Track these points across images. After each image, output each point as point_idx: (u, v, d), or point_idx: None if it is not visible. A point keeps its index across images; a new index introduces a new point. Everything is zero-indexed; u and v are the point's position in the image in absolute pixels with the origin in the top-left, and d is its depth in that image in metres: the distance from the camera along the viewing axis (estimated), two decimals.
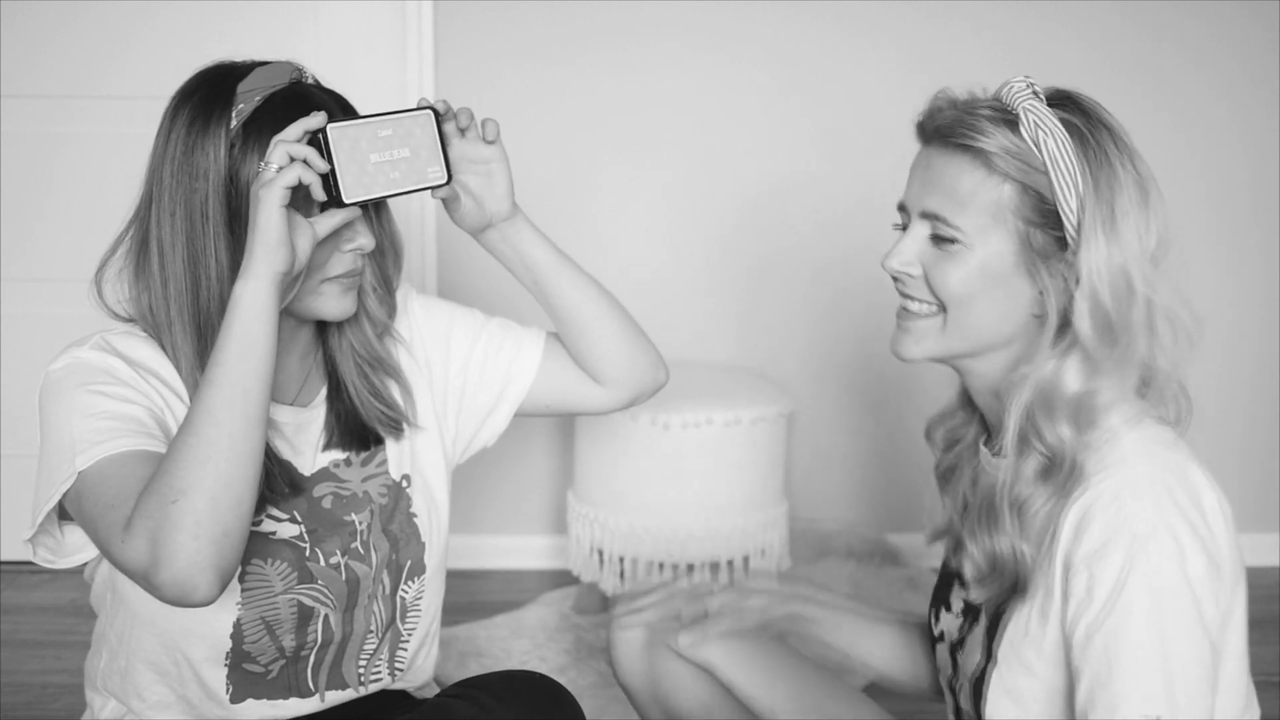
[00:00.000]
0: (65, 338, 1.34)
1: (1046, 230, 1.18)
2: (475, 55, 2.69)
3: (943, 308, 1.23)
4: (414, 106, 1.33)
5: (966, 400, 1.35)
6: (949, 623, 1.34)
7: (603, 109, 2.74)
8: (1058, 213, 1.17)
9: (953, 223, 1.19)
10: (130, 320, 1.35)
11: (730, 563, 2.42)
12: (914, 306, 1.25)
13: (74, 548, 1.32)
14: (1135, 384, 1.19)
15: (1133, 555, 1.10)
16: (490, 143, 1.38)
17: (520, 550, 2.91)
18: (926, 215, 1.22)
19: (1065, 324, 1.19)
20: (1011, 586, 1.21)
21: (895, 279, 1.26)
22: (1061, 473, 1.17)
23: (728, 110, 2.75)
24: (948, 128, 1.20)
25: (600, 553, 2.46)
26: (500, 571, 2.87)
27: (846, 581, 2.71)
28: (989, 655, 1.23)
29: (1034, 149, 1.17)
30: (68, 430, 1.23)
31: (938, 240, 1.21)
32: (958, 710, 1.33)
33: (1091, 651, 1.12)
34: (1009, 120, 1.18)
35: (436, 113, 1.33)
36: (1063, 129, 1.17)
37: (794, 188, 2.77)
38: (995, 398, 1.25)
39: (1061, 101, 1.21)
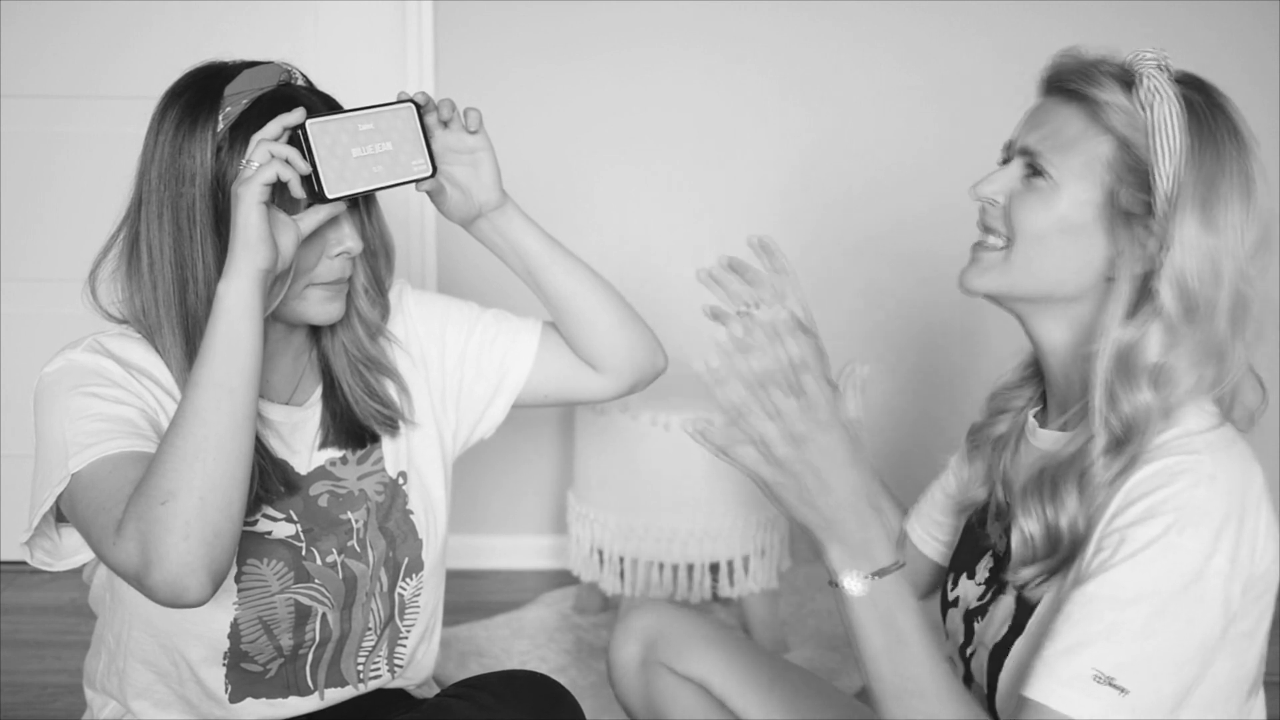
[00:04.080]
0: (65, 338, 1.34)
1: (1135, 192, 1.18)
2: (475, 55, 2.69)
3: (1011, 242, 1.24)
4: (394, 100, 1.32)
5: (1027, 373, 1.36)
6: (968, 589, 1.32)
7: (603, 109, 2.74)
8: (1148, 177, 1.17)
9: (1048, 159, 1.21)
10: (124, 321, 1.35)
11: (730, 563, 2.42)
12: (988, 239, 1.27)
13: (71, 549, 1.32)
14: (1212, 375, 1.17)
15: (1168, 530, 1.09)
16: (473, 132, 1.37)
17: (520, 550, 2.91)
18: (1026, 151, 1.24)
19: (1141, 294, 1.18)
20: (1063, 561, 1.18)
21: (980, 210, 1.27)
22: (1130, 445, 1.16)
23: (727, 110, 2.75)
24: (1066, 75, 1.22)
25: (600, 553, 2.46)
26: (500, 571, 2.87)
27: None
28: (1017, 628, 1.21)
29: (1143, 110, 1.18)
30: (61, 433, 1.23)
31: (1030, 176, 1.23)
32: (966, 678, 1.31)
33: (1078, 593, 1.11)
34: (1127, 81, 1.19)
35: (418, 105, 1.32)
36: (1179, 101, 1.18)
37: (793, 187, 2.76)
38: (1064, 368, 1.26)
39: (1189, 80, 1.21)
